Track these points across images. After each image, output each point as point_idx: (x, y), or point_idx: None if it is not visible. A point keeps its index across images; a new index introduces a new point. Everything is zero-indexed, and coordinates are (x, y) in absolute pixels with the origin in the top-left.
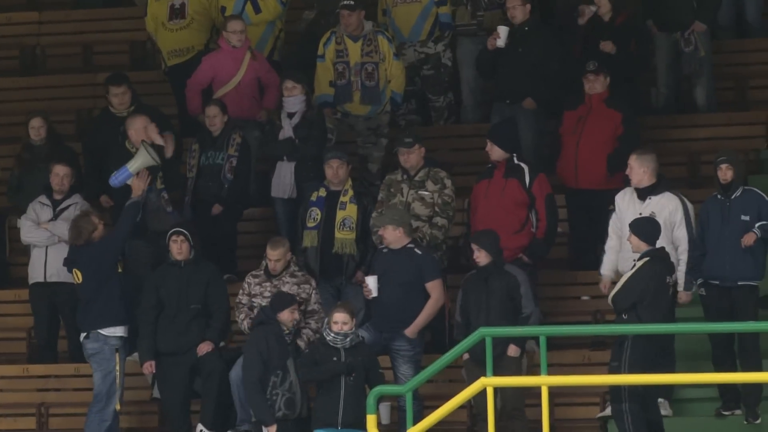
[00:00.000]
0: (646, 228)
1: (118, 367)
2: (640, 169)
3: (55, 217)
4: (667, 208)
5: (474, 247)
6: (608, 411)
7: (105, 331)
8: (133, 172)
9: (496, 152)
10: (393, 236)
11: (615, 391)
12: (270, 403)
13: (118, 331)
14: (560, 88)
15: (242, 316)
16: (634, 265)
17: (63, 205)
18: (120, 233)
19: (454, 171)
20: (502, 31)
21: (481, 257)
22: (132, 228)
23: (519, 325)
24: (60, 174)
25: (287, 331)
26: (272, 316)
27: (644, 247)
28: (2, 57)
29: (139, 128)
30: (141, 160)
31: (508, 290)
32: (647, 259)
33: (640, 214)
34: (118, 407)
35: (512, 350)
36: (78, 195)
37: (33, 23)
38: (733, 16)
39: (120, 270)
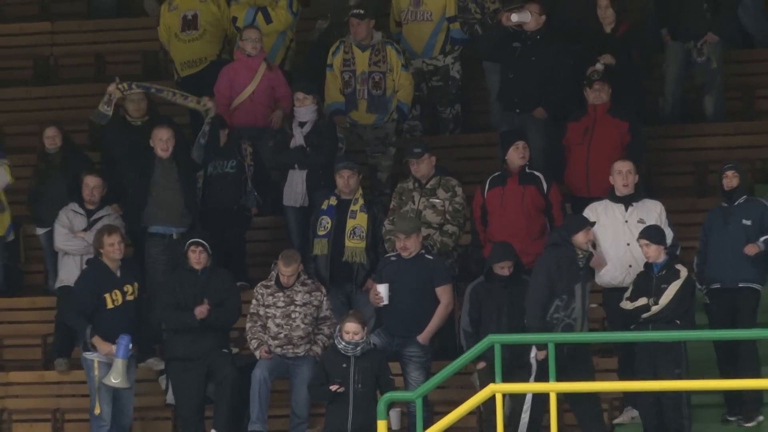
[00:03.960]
0: (660, 235)
1: (97, 373)
2: (632, 176)
3: (89, 227)
4: (654, 211)
5: (507, 264)
6: (622, 417)
7: (86, 354)
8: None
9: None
10: (416, 244)
11: (676, 401)
12: (549, 327)
13: (93, 355)
14: (569, 99)
15: (255, 344)
16: (675, 273)
17: (96, 216)
18: (73, 314)
19: (463, 180)
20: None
21: (506, 269)
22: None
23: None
24: (90, 185)
25: (581, 255)
26: (567, 238)
27: (664, 254)
28: (16, 67)
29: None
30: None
31: None
32: (686, 268)
33: (626, 222)
34: (97, 411)
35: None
36: (109, 207)
37: (46, 33)
38: (738, 26)
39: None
